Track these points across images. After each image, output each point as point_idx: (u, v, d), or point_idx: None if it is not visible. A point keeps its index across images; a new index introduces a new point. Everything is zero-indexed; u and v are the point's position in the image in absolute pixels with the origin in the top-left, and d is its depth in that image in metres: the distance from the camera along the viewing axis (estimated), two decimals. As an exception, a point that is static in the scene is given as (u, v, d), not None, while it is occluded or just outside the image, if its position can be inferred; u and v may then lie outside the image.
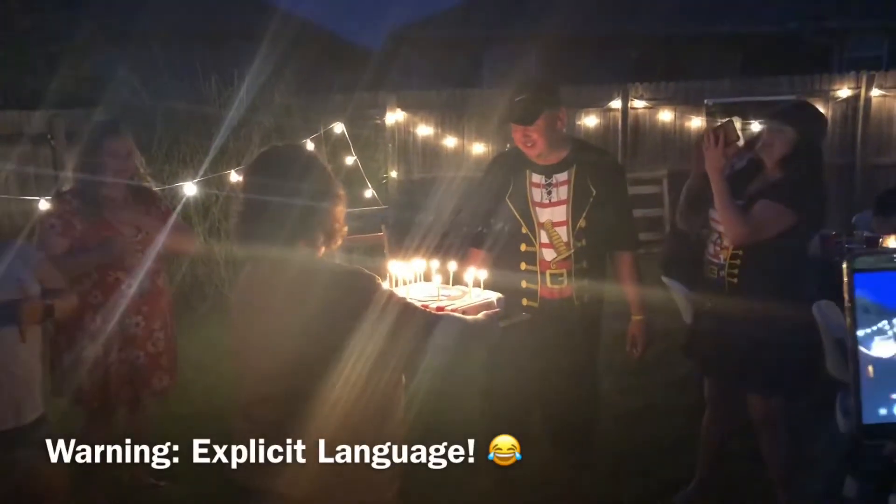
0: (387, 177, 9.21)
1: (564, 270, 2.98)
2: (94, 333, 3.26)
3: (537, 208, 2.98)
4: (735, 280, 3.13)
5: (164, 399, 3.62)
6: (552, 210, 2.97)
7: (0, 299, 2.62)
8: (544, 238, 2.98)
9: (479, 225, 3.11)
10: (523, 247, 3.01)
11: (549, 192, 2.97)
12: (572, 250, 2.96)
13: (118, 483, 3.75)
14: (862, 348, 1.28)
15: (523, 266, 3.00)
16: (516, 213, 3.00)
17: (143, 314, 3.39)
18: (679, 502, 3.54)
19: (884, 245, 4.84)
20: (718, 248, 3.20)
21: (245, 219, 1.98)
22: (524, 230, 3.00)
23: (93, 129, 3.40)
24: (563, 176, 2.97)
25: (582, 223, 2.95)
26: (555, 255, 2.98)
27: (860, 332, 1.28)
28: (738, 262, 3.13)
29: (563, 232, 2.96)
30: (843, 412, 3.42)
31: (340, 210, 2.04)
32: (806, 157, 3.11)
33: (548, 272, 2.98)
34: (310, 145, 2.20)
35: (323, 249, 2.01)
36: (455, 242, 3.14)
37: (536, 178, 3.00)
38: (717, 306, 3.20)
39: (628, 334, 3.23)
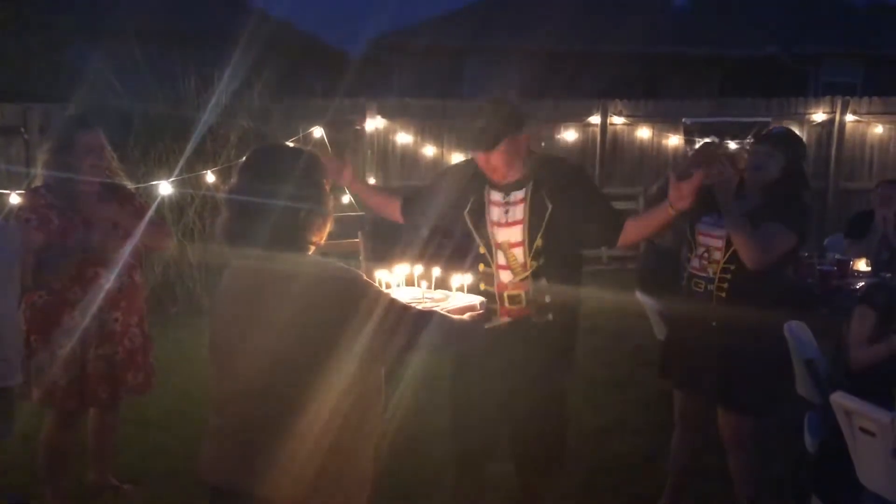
0: (365, 183, 9.18)
1: (522, 292, 2.87)
2: (72, 330, 3.21)
3: (495, 228, 2.89)
4: (724, 294, 3.15)
5: (141, 396, 3.56)
6: (509, 230, 2.87)
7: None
8: (501, 259, 2.89)
9: (438, 235, 3.03)
10: (481, 267, 2.92)
11: (507, 212, 2.87)
12: (529, 271, 2.86)
13: (81, 484, 3.68)
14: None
15: (482, 286, 2.89)
16: (474, 232, 2.92)
17: (121, 309, 3.34)
18: None
19: (854, 268, 4.93)
20: (706, 262, 3.21)
21: (235, 218, 1.95)
22: (482, 250, 2.91)
23: (64, 124, 3.37)
24: (520, 194, 2.87)
25: (539, 242, 2.84)
26: (511, 276, 2.88)
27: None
28: (728, 276, 3.14)
29: (519, 253, 2.86)
30: (810, 432, 3.45)
31: (331, 209, 2.04)
32: (796, 180, 3.21)
33: (505, 293, 2.89)
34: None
35: (312, 249, 2.00)
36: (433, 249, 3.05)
37: (495, 195, 2.90)
38: (702, 320, 3.20)
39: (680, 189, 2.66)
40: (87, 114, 3.47)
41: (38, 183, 3.34)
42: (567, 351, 3.03)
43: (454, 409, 3.07)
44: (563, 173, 2.96)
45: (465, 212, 2.93)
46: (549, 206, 2.83)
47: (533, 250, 2.83)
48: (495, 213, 2.88)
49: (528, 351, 2.86)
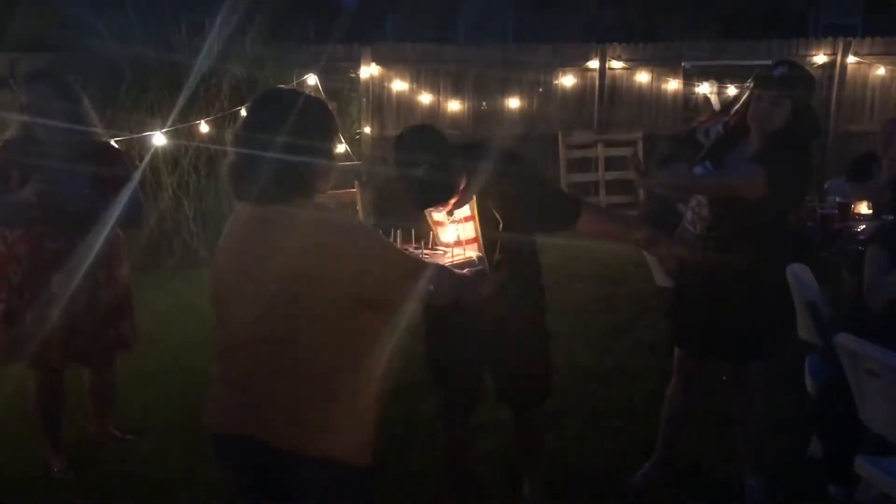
0: (360, 132, 9.07)
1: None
2: (18, 288, 3.20)
3: (454, 248, 2.60)
4: (712, 252, 3.08)
5: (122, 353, 3.54)
6: (466, 248, 2.59)
7: None
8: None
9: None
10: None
11: (458, 230, 2.62)
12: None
13: (83, 436, 3.69)
14: None
15: None
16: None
17: (92, 265, 3.21)
18: (637, 480, 3.47)
19: (856, 211, 4.89)
20: (696, 217, 3.15)
21: (242, 161, 1.91)
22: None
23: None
24: (465, 211, 2.64)
25: (498, 256, 2.66)
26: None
27: None
28: (714, 233, 3.08)
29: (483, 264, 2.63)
30: (811, 374, 3.46)
31: (337, 157, 2.02)
32: (803, 126, 3.03)
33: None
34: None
35: (317, 196, 1.98)
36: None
37: (438, 216, 2.66)
38: (695, 273, 3.15)
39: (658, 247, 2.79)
40: (40, 66, 3.45)
41: (9, 136, 3.28)
42: (533, 280, 2.93)
43: (433, 361, 3.02)
44: (505, 177, 2.67)
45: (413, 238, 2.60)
46: (501, 222, 2.64)
47: (495, 263, 2.64)
48: (447, 233, 2.62)
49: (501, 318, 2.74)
